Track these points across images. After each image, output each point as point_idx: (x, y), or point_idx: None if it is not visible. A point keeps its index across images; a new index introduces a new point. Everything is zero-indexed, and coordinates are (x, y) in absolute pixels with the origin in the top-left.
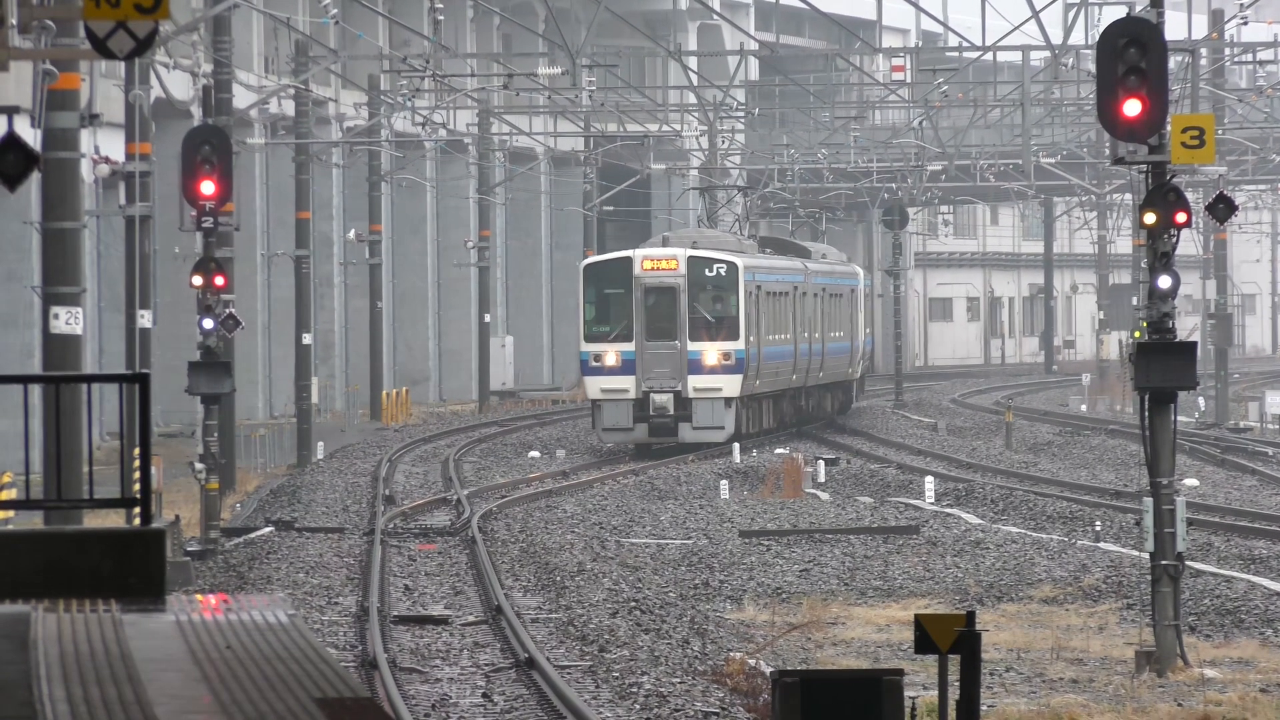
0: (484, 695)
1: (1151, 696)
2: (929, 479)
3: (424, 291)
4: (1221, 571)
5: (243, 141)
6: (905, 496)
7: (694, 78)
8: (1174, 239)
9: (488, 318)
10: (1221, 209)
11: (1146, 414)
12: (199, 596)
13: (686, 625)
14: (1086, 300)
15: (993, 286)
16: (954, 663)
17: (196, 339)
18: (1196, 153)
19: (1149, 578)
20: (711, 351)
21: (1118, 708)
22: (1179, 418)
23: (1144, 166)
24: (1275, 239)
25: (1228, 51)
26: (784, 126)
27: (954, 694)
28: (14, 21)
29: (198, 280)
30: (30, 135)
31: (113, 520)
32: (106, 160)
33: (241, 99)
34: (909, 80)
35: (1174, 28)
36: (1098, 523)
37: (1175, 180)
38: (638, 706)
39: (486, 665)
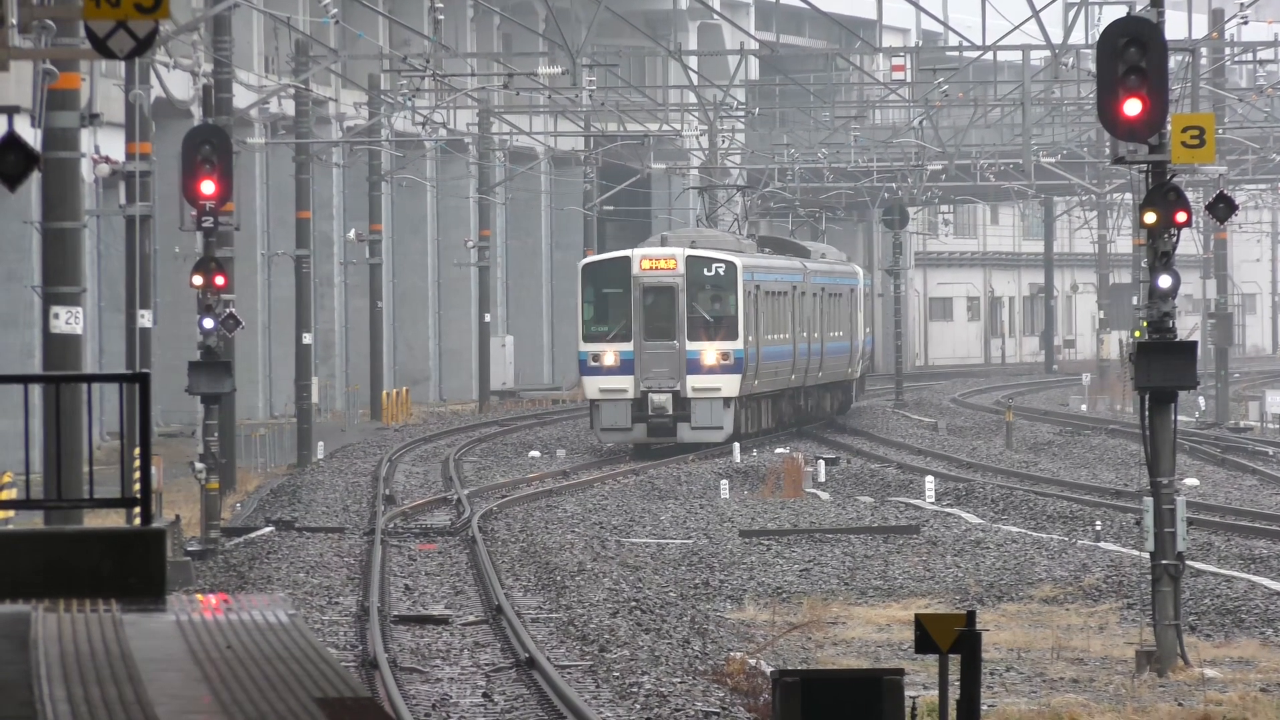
0: (484, 695)
1: (1152, 696)
2: (929, 479)
3: (424, 291)
4: (1222, 571)
5: (243, 141)
6: (905, 496)
7: (694, 77)
8: (1174, 238)
9: (488, 317)
10: (1221, 208)
11: (1147, 414)
12: (199, 596)
13: (687, 625)
14: (1087, 300)
15: (993, 286)
16: (954, 662)
17: (196, 339)
18: (1196, 152)
19: (1149, 577)
20: (710, 351)
21: (1118, 707)
22: (1179, 417)
23: (1144, 166)
24: (1275, 238)
25: (1228, 51)
26: (784, 126)
27: (954, 694)
28: (14, 21)
29: (198, 280)
30: (30, 135)
31: (113, 520)
32: (107, 160)
33: (241, 99)
34: (909, 80)
35: (1174, 27)
36: (1098, 522)
37: (1175, 180)
38: (638, 706)
39: (487, 665)
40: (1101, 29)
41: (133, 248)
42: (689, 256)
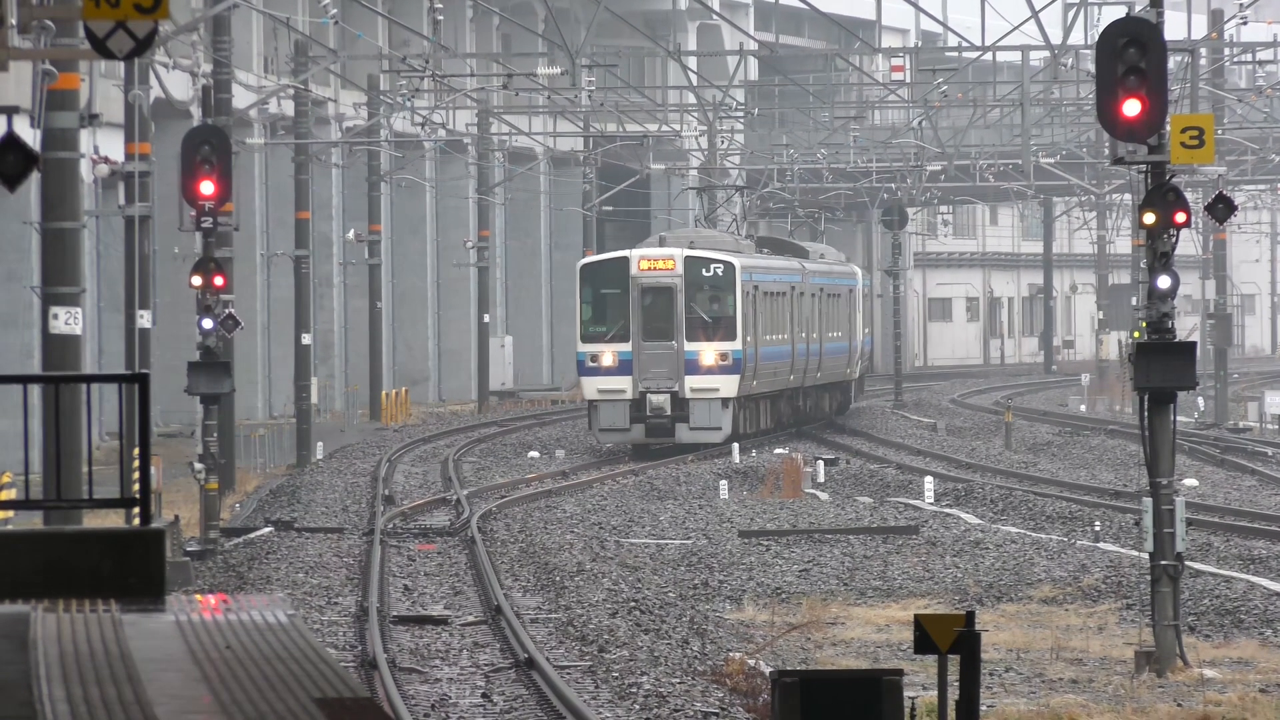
0: (483, 695)
1: (1151, 696)
2: (928, 479)
3: (423, 291)
4: (1221, 571)
5: (242, 141)
6: (905, 496)
7: (694, 78)
8: (1173, 239)
9: (487, 318)
10: (1221, 209)
11: (1146, 414)
12: (199, 596)
13: (686, 625)
14: (1086, 300)
15: (992, 286)
16: (954, 663)
17: (196, 339)
18: (1196, 153)
19: (1148, 578)
20: (708, 352)
21: (1117, 708)
22: (1178, 418)
23: (1143, 166)
24: (1275, 239)
25: (1227, 51)
26: (783, 126)
27: (954, 694)
28: (14, 21)
29: (197, 280)
30: (30, 135)
31: (112, 520)
32: (106, 160)
33: (241, 99)
34: (908, 80)
35: (1174, 28)
36: (1097, 523)
37: (1175, 180)
38: (637, 706)
39: (486, 665)
40: (1101, 29)
41: (132, 248)
42: (687, 257)
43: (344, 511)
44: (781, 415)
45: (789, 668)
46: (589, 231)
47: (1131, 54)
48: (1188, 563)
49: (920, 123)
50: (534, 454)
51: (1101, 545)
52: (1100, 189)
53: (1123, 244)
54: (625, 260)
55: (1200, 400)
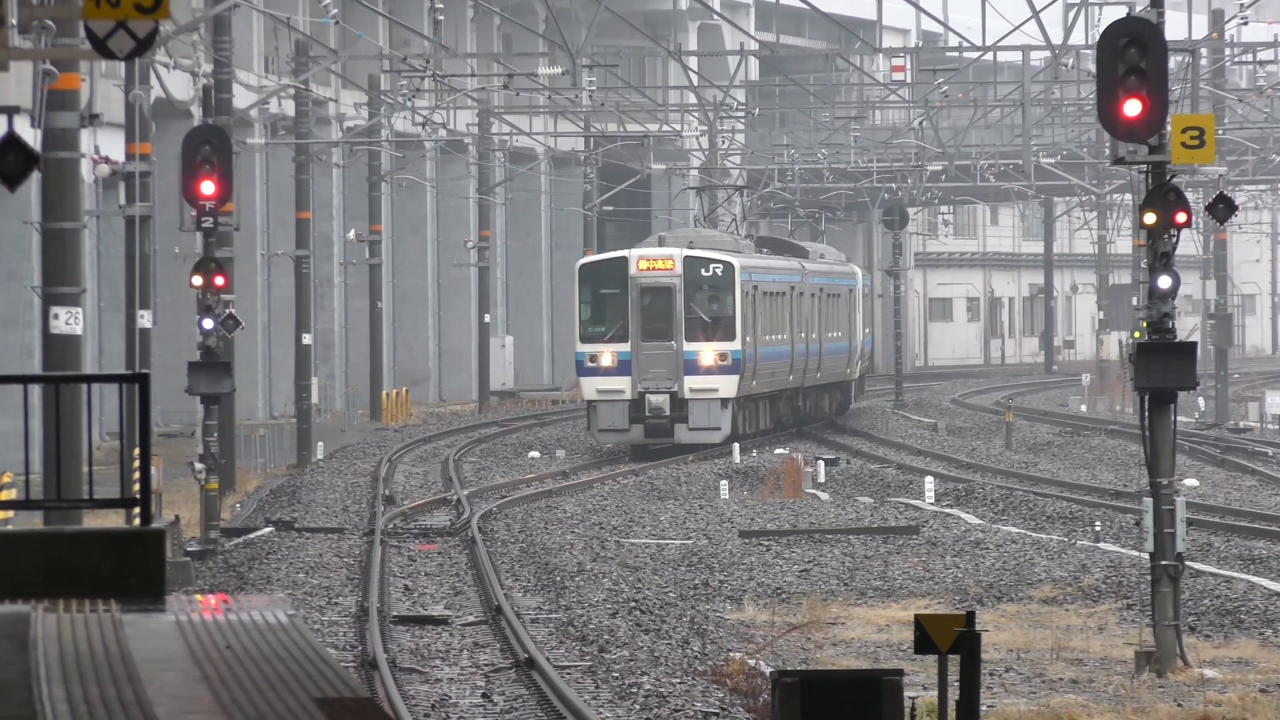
0: (484, 695)
1: (1151, 697)
2: (929, 479)
3: (424, 291)
4: (1221, 572)
5: (243, 141)
6: (905, 497)
7: (694, 78)
8: (1174, 239)
9: (487, 318)
10: (1221, 209)
11: (1146, 414)
12: (199, 596)
13: (686, 625)
14: (1086, 300)
15: (993, 287)
16: (954, 663)
17: (196, 339)
18: (1196, 153)
19: (1149, 578)
20: (708, 352)
21: (1117, 708)
22: (1179, 418)
23: (1144, 166)
24: (1275, 239)
25: (1228, 51)
26: (784, 126)
27: (954, 694)
28: (14, 21)
29: (198, 280)
30: (30, 135)
31: (112, 520)
32: (106, 160)
33: (241, 99)
34: (909, 80)
35: (1174, 28)
36: (1097, 523)
37: (1175, 180)
38: (637, 707)
39: (486, 665)
40: (1101, 29)
41: (132, 248)
42: (686, 257)
43: (344, 511)
44: (781, 415)
45: (789, 668)
46: (589, 231)
47: (1132, 54)
48: (1188, 563)
49: (921, 123)
50: (534, 454)
51: (1102, 545)
52: (1101, 189)
53: (1123, 244)
54: (624, 260)
55: (1201, 400)
